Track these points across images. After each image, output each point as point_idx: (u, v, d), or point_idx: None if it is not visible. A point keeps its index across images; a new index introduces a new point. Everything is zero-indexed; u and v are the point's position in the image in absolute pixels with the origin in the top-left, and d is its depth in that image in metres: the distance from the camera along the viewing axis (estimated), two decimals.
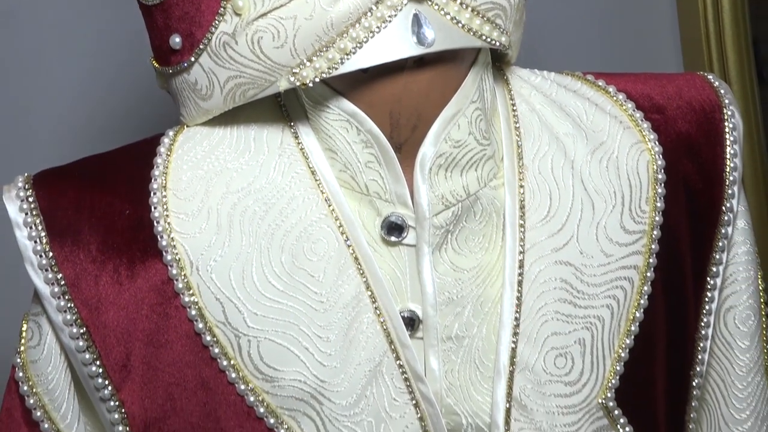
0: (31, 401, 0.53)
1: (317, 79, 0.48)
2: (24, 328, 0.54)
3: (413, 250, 0.52)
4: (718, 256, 0.59)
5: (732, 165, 0.58)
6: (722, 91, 0.59)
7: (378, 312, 0.51)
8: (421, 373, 0.51)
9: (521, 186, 0.54)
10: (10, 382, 0.55)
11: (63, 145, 0.96)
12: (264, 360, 0.50)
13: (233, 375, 0.50)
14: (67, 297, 0.50)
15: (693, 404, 0.60)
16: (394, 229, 0.51)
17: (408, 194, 0.51)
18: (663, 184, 0.55)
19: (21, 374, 0.53)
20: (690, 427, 0.61)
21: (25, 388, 0.53)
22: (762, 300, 0.63)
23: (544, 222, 0.53)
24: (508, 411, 0.52)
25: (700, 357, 0.60)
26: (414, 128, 0.51)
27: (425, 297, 0.51)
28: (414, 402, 0.51)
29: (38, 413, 0.53)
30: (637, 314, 0.55)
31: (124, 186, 0.52)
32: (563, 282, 0.53)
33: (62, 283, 0.50)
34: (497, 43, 0.51)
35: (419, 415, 0.51)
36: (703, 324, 0.60)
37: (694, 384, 0.60)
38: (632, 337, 0.55)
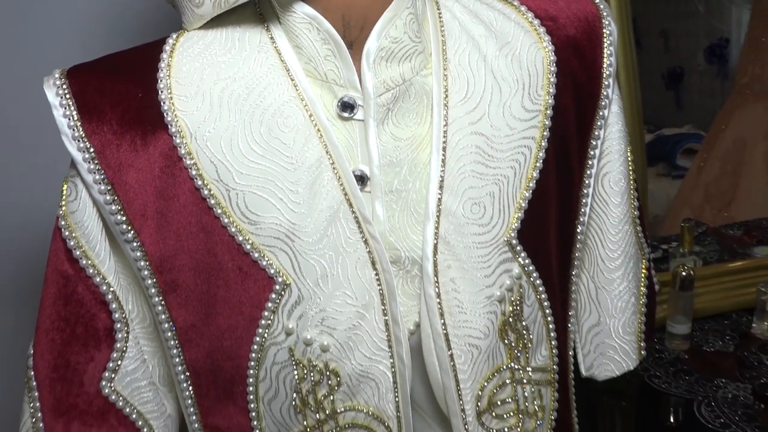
0: (71, 243, 0.62)
1: None
2: (64, 188, 0.62)
3: (362, 124, 0.61)
4: (597, 133, 0.69)
5: (608, 62, 0.68)
6: (602, 6, 0.69)
7: (335, 171, 0.60)
8: (369, 217, 0.60)
9: (445, 75, 0.63)
10: (55, 230, 0.63)
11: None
12: (249, 208, 0.59)
13: (226, 220, 0.59)
14: (95, 161, 0.59)
15: (578, 246, 0.71)
16: (347, 107, 0.61)
17: (357, 80, 0.61)
18: (555, 75, 0.65)
19: (63, 223, 0.62)
20: (575, 263, 0.72)
21: (66, 233, 0.62)
22: (630, 167, 0.74)
23: (463, 102, 0.63)
24: (435, 246, 0.61)
25: (582, 210, 0.70)
26: (361, 29, 0.60)
27: (371, 160, 0.61)
28: (364, 239, 0.60)
29: (77, 252, 0.62)
30: (534, 174, 0.64)
31: (137, 75, 0.61)
32: (477, 148, 0.62)
33: (91, 150, 0.59)
34: None
35: (368, 250, 0.60)
36: (585, 185, 0.69)
37: (578, 231, 0.70)
38: (531, 191, 0.64)
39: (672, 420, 1.03)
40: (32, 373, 0.64)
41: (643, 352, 0.77)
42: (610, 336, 0.75)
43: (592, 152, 0.70)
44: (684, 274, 1.18)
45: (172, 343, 0.63)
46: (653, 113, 1.70)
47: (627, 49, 1.05)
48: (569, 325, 0.73)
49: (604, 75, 0.68)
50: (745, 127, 1.65)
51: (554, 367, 0.68)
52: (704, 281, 1.28)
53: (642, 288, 0.77)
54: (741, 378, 1.09)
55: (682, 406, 1.04)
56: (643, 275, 0.77)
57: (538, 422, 0.67)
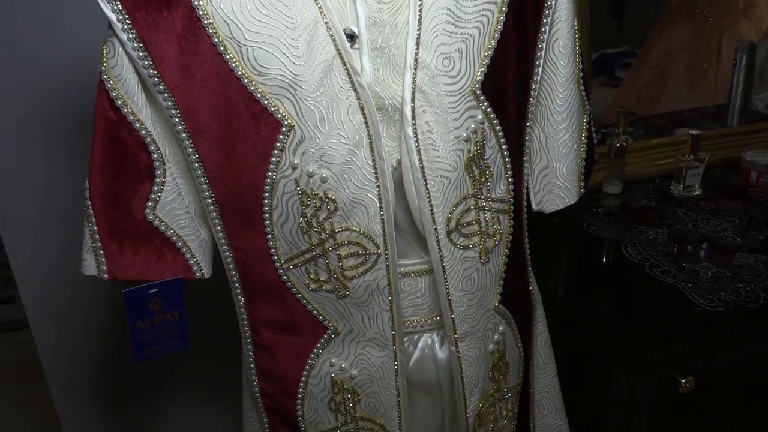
0: (113, 94, 0.67)
1: None
2: (104, 47, 0.66)
3: None
4: (549, 2, 0.74)
5: None
6: None
7: (329, 29, 0.64)
8: (358, 70, 0.65)
9: None
10: (99, 84, 0.67)
11: None
12: (258, 62, 0.64)
13: (239, 72, 0.64)
14: (128, 21, 0.63)
15: (531, 101, 0.78)
16: None
17: None
18: None
19: (105, 77, 0.67)
20: (529, 117, 0.79)
21: (109, 85, 0.66)
22: (576, 36, 0.79)
23: None
24: (413, 93, 0.67)
25: (536, 70, 0.77)
26: None
27: (359, 20, 0.66)
28: (354, 88, 0.65)
29: (119, 102, 0.67)
30: (496, 35, 0.69)
31: None
32: (448, 11, 0.67)
33: (123, 11, 0.63)
34: None
35: (357, 97, 0.65)
36: (538, 48, 0.75)
37: (532, 87, 0.77)
38: (492, 49, 0.69)
39: (604, 258, 1.16)
40: (89, 203, 0.71)
41: (582, 190, 0.87)
42: (556, 177, 0.84)
43: (545, 20, 0.75)
44: (618, 145, 1.28)
45: (202, 179, 0.70)
46: (599, 37, 1.81)
47: None
48: (524, 168, 0.82)
49: None
50: (672, 42, 1.75)
51: (510, 199, 0.77)
52: (634, 153, 1.39)
53: (583, 137, 0.85)
54: (660, 226, 1.22)
55: (613, 247, 1.16)
56: (584, 128, 0.85)
57: (497, 243, 0.76)
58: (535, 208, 0.86)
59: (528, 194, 0.85)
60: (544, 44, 0.76)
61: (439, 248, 0.72)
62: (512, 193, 0.77)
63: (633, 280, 1.07)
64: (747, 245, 1.14)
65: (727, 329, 1.05)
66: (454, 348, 0.76)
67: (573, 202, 0.86)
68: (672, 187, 1.34)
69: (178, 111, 0.67)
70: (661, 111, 1.77)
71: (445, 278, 0.73)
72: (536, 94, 0.79)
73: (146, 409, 1.35)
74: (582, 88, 0.83)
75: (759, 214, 1.25)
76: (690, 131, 1.31)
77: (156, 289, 0.74)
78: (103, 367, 1.27)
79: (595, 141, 0.90)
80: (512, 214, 0.78)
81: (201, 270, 0.76)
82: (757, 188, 1.35)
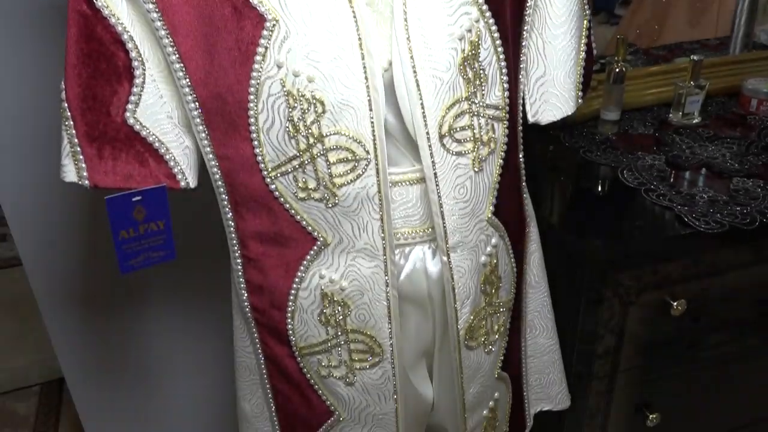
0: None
1: None
2: None
3: None
4: None
5: None
6: None
7: None
8: None
9: None
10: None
11: None
12: None
13: None
14: None
15: (529, 3, 0.75)
16: None
17: None
18: None
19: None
20: (527, 21, 0.76)
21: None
22: None
23: None
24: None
25: None
26: None
27: None
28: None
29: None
30: None
31: None
32: None
33: None
34: None
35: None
36: None
37: None
38: None
39: (599, 183, 1.13)
40: (65, 104, 0.67)
41: (580, 101, 0.84)
42: (554, 85, 0.81)
43: None
44: (617, 70, 1.24)
45: (185, 82, 0.67)
46: None
47: None
48: (520, 76, 0.79)
49: None
50: None
51: (506, 107, 0.74)
52: (633, 80, 1.35)
53: (582, 44, 0.82)
54: (657, 152, 1.19)
55: (608, 173, 1.14)
56: (584, 33, 0.82)
57: (491, 151, 0.74)
58: (531, 119, 0.84)
59: (524, 106, 0.82)
60: None
61: (431, 153, 0.69)
62: (507, 100, 0.74)
63: (628, 205, 1.05)
64: (745, 170, 1.12)
65: (722, 252, 1.04)
66: (445, 258, 0.74)
67: (570, 113, 0.83)
68: (671, 115, 1.31)
69: (155, 6, 0.63)
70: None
71: (437, 185, 0.70)
72: None
73: (136, 324, 1.33)
74: None
75: (758, 140, 1.22)
76: (691, 56, 1.27)
77: (140, 197, 0.72)
78: (92, 284, 1.25)
79: (595, 51, 0.86)
80: (507, 123, 0.75)
81: (186, 179, 0.74)
82: (756, 116, 1.32)
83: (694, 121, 1.29)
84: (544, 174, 1.16)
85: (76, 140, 0.68)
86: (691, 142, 1.22)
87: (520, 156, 0.82)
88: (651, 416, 1.15)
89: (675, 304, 1.03)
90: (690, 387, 1.18)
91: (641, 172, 1.12)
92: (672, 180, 1.09)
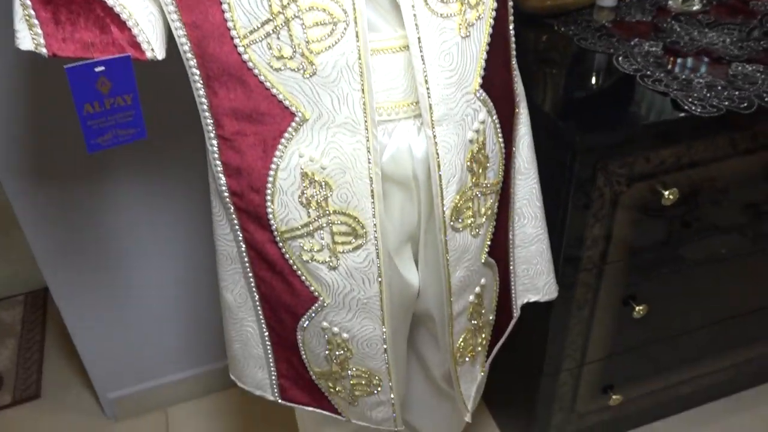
0: None
1: None
2: None
3: None
4: None
5: None
6: None
7: None
8: None
9: None
10: None
11: None
12: None
13: None
14: None
15: None
16: None
17: None
18: None
19: None
20: None
21: None
22: None
23: None
24: None
25: None
26: None
27: None
28: None
29: None
30: None
31: None
32: None
33: None
34: None
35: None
36: None
37: None
38: None
39: (593, 69, 1.08)
40: None
41: None
42: None
43: None
44: None
45: None
46: None
47: None
48: None
49: None
50: None
51: None
52: None
53: None
54: (655, 39, 1.13)
55: (603, 60, 1.09)
56: None
57: (479, 16, 0.69)
58: None
59: None
60: None
61: (414, 15, 0.64)
62: None
63: (623, 91, 1.00)
64: (744, 56, 1.07)
65: (717, 138, 1.01)
66: (430, 132, 0.70)
67: None
68: (670, 2, 1.25)
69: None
70: None
71: (421, 51, 0.66)
72: None
73: (108, 216, 1.30)
74: None
75: (760, 26, 1.17)
76: None
77: (103, 68, 0.66)
78: (63, 173, 1.22)
79: None
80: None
81: (152, 49, 0.68)
82: (759, 1, 1.26)
83: (694, 8, 1.23)
84: (537, 63, 1.11)
85: (28, 2, 0.62)
86: (690, 28, 1.17)
87: (511, 28, 0.77)
88: (638, 308, 1.16)
89: (666, 193, 1.01)
90: (676, 281, 1.18)
91: (637, 58, 1.07)
92: (669, 66, 1.05)
